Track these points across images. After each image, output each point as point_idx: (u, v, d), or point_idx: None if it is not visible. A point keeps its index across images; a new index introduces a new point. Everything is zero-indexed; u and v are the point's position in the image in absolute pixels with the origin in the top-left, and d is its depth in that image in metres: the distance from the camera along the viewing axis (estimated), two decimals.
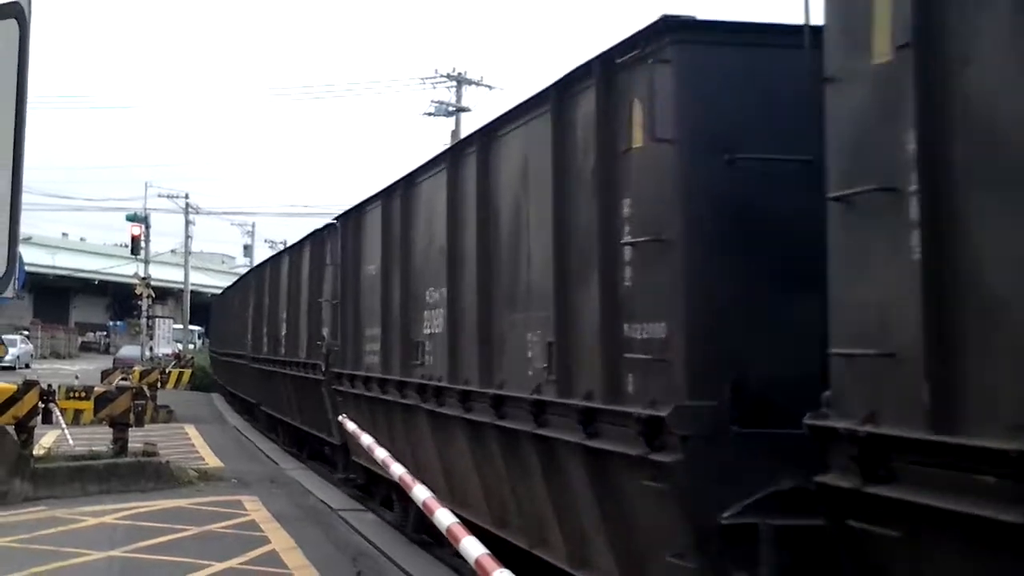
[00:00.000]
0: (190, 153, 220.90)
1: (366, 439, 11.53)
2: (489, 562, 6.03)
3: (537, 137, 8.07)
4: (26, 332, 67.34)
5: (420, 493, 8.30)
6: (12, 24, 3.67)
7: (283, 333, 21.86)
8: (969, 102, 4.02)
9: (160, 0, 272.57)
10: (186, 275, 65.06)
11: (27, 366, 53.33)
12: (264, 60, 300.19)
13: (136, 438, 17.18)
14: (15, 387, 15.42)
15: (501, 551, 7.15)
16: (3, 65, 3.65)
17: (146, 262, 55.25)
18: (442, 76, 45.98)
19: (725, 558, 5.71)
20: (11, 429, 14.88)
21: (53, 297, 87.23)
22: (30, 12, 3.71)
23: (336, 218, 15.84)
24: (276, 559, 10.79)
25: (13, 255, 3.72)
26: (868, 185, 4.55)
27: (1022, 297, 3.73)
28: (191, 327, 67.06)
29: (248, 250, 77.44)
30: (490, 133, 9.28)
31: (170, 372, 42.42)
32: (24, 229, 3.90)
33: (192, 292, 66.90)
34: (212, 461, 19.11)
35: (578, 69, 7.32)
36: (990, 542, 3.83)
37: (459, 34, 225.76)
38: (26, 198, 3.87)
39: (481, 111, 49.79)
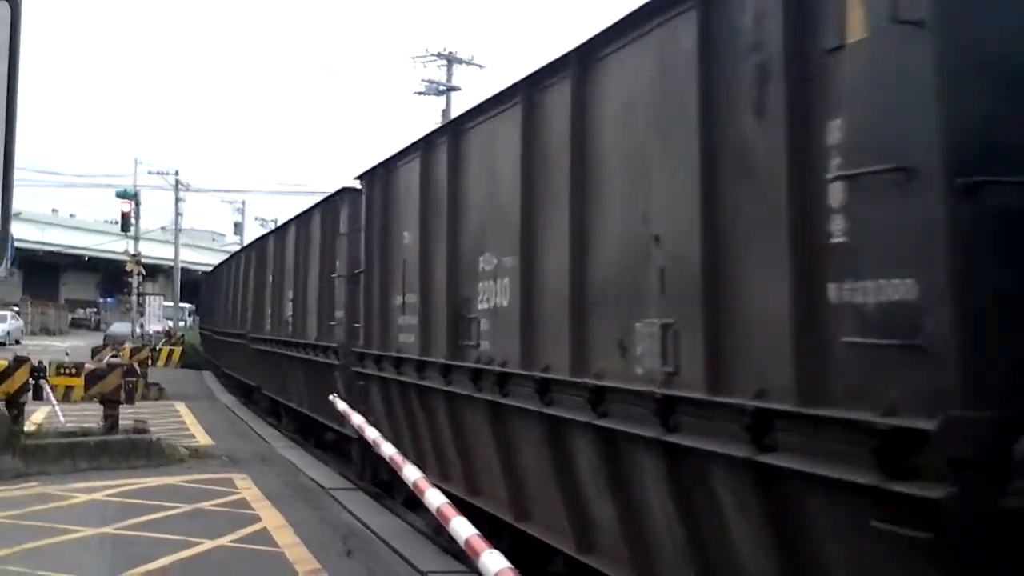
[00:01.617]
0: (180, 130, 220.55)
1: (357, 419, 11.56)
2: (479, 542, 6.07)
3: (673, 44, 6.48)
4: (16, 308, 67.21)
5: (410, 474, 8.35)
6: (3, 6, 3.69)
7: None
8: None
9: None
10: (176, 252, 64.96)
11: (17, 342, 53.34)
12: (255, 38, 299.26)
13: (127, 415, 17.20)
14: (6, 363, 15.44)
15: None
16: None
17: (136, 239, 55.05)
18: (433, 55, 45.93)
19: None
20: (2, 405, 14.91)
21: (43, 273, 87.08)
22: None
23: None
24: (267, 537, 10.83)
25: (5, 234, 3.74)
26: None
27: None
28: (181, 304, 66.98)
29: (239, 227, 77.33)
30: (589, 54, 7.69)
31: (160, 349, 42.38)
32: (14, 205, 3.90)
33: (182, 269, 66.83)
34: (203, 439, 19.13)
35: None
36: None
37: (449, 13, 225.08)
38: (16, 174, 3.89)
39: (471, 90, 49.83)
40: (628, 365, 6.77)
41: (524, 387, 8.26)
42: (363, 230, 13.99)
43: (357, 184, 14.68)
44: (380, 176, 13.28)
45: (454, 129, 10.39)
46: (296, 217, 21.09)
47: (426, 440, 11.24)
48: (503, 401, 8.74)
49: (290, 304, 20.51)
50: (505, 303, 8.96)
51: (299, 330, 19.35)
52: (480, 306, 9.55)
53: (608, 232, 7.28)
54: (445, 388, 10.19)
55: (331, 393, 14.43)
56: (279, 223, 27.33)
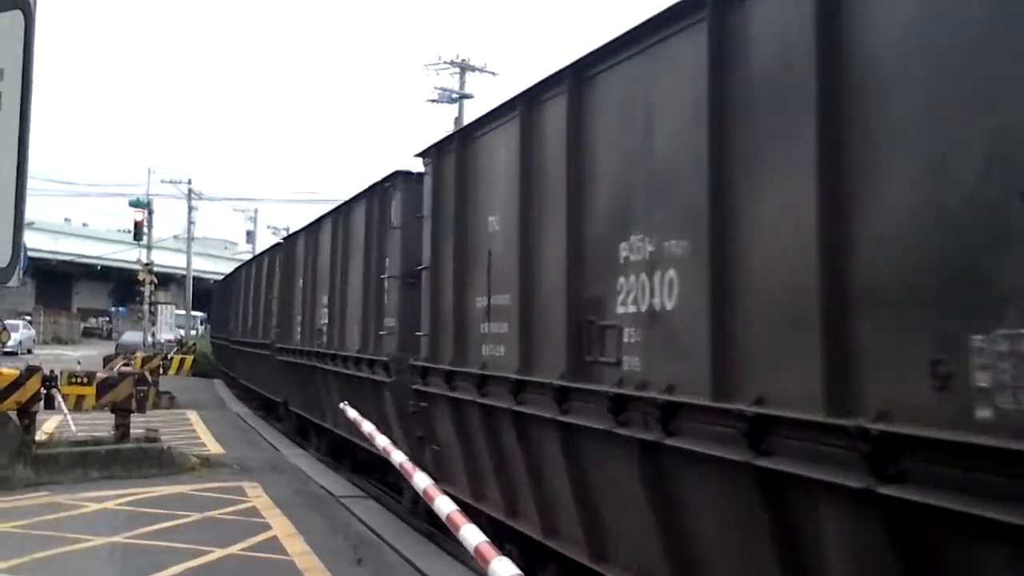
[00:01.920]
0: (193, 140, 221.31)
1: (367, 426, 11.55)
2: (488, 550, 6.07)
3: None
4: (28, 317, 67.39)
5: (420, 481, 8.34)
6: (18, 15, 3.71)
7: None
8: None
9: None
10: (188, 261, 65.09)
11: (29, 351, 53.39)
12: (268, 46, 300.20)
13: (138, 424, 17.21)
14: (18, 372, 15.43)
15: None
16: (9, 55, 3.68)
17: (148, 248, 55.23)
18: (445, 63, 45.95)
19: None
20: (14, 415, 14.93)
21: (56, 282, 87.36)
22: (35, 2, 3.74)
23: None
24: (277, 545, 10.84)
25: (18, 244, 3.75)
26: None
27: None
28: (193, 313, 67.12)
29: (251, 236, 77.51)
30: None
31: (172, 358, 42.45)
32: (27, 214, 3.91)
33: (194, 278, 66.93)
34: (214, 447, 19.16)
35: None
36: None
37: (463, 20, 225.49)
38: (29, 183, 3.90)
39: (484, 98, 49.90)
40: (954, 403, 4.28)
41: (714, 426, 5.83)
42: (428, 219, 11.54)
43: (415, 167, 12.50)
44: (452, 151, 10.86)
45: (575, 75, 8.04)
46: (333, 211, 18.42)
47: (522, 482, 8.98)
48: (670, 443, 6.28)
49: (325, 311, 18.26)
50: (670, 304, 6.53)
51: (336, 341, 17.16)
52: (622, 309, 7.15)
53: (896, 191, 4.74)
54: (560, 418, 7.80)
55: (377, 414, 12.94)
56: (292, 230, 26.01)
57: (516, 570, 5.67)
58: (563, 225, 8.01)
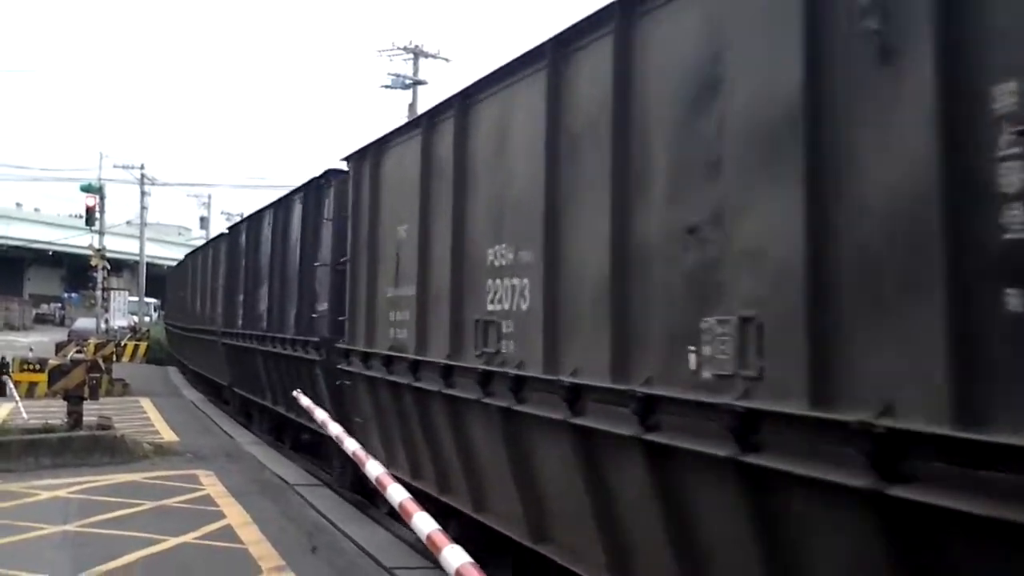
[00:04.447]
0: (146, 124, 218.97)
1: (320, 414, 11.58)
2: (440, 538, 6.13)
3: None
4: None
5: (373, 469, 8.39)
6: None
7: None
8: None
9: None
10: (141, 247, 64.46)
11: None
12: (220, 31, 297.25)
13: (91, 411, 17.10)
14: None
15: None
16: None
17: (101, 233, 54.59)
18: (399, 49, 45.86)
19: None
20: None
21: (7, 268, 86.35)
22: None
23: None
24: (231, 534, 10.85)
25: None
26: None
27: None
28: (147, 299, 66.53)
29: (204, 222, 76.92)
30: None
31: (125, 345, 42.15)
32: None
33: (148, 264, 66.33)
34: (168, 435, 19.07)
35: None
36: None
37: (416, 5, 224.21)
38: None
39: (438, 84, 49.90)
40: None
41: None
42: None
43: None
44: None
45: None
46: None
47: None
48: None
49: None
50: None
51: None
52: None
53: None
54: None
55: None
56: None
57: (467, 558, 5.73)
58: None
